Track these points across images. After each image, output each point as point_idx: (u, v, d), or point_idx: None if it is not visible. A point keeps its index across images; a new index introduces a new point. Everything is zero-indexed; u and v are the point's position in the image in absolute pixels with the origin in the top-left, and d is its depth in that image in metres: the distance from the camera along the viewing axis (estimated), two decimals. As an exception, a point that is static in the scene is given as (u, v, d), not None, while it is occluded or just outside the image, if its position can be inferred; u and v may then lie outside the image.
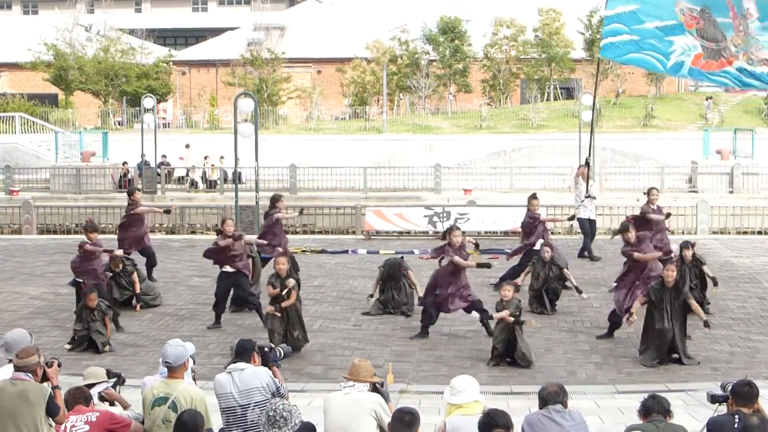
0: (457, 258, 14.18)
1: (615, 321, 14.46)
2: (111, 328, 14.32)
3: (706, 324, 12.95)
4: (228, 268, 15.37)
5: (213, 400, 8.35)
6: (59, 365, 7.86)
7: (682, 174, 36.68)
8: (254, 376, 8.16)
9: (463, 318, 15.71)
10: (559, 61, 53.54)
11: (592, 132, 18.64)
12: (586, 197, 20.31)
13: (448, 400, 7.59)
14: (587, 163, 19.25)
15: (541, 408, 7.45)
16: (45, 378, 7.63)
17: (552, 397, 7.42)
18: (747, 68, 14.14)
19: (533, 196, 18.39)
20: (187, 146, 43.03)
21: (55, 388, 7.62)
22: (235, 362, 8.31)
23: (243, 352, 8.41)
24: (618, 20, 14.77)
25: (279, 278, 13.56)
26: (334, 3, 68.51)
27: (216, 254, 15.56)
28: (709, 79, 15.22)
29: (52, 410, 7.40)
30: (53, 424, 7.51)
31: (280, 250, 16.68)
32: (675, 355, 13.20)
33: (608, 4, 15.05)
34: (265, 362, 8.54)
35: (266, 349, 8.68)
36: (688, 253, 15.77)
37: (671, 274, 12.91)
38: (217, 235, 15.81)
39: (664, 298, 12.93)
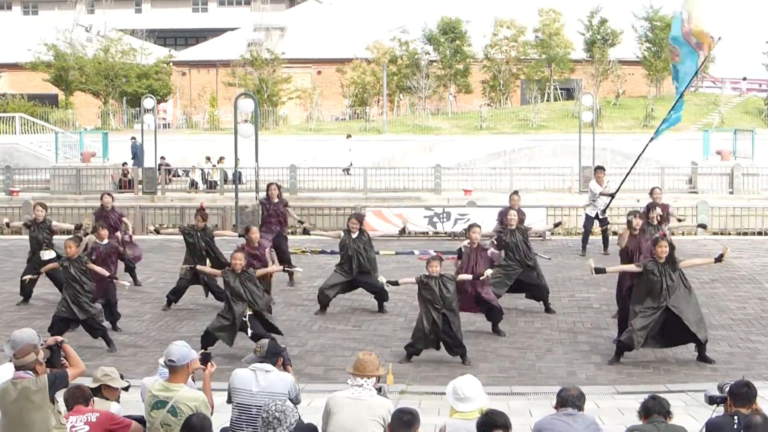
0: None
1: None
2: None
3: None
4: None
5: (214, 401, 8.32)
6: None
7: (683, 175, 36.63)
8: (281, 382, 8.07)
9: (462, 319, 15.71)
10: (559, 62, 53.48)
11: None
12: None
13: (453, 405, 7.42)
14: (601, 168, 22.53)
15: (558, 407, 7.52)
16: (52, 365, 7.65)
17: (571, 399, 7.50)
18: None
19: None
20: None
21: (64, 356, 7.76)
22: (262, 362, 8.15)
23: (275, 354, 8.30)
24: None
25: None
26: (334, 3, 68.43)
27: None
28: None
29: (59, 387, 7.40)
30: (63, 411, 7.51)
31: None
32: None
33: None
34: (282, 362, 8.46)
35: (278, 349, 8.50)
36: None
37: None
38: None
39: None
